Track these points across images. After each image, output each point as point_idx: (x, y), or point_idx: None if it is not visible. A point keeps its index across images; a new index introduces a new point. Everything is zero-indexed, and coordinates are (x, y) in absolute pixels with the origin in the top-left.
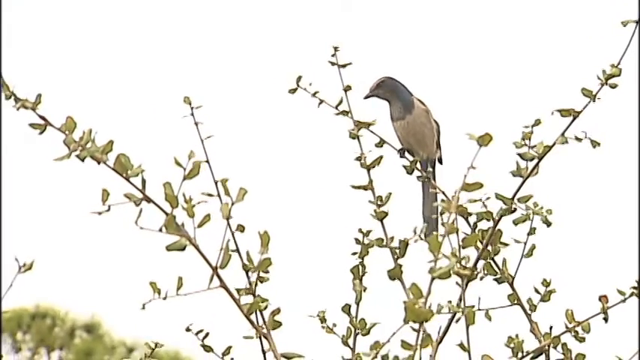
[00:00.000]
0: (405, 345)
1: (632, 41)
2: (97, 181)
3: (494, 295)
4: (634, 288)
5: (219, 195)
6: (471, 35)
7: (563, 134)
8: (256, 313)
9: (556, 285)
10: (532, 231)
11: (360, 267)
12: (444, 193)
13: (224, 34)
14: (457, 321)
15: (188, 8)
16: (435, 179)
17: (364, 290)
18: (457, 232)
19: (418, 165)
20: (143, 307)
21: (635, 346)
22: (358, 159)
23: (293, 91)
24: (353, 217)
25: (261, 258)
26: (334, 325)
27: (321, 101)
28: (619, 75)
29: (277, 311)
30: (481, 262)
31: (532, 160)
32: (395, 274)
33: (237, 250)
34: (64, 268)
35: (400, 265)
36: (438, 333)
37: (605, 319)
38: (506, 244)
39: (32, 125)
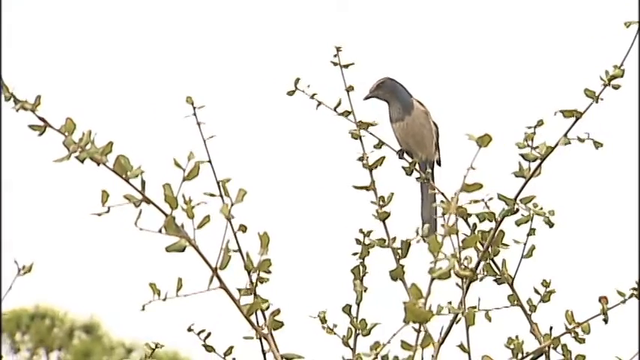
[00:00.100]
0: (404, 345)
1: (635, 42)
2: (96, 183)
3: (494, 295)
4: (634, 289)
5: (221, 195)
6: (473, 35)
7: (565, 135)
8: (256, 314)
9: (556, 286)
10: (532, 232)
11: (361, 267)
12: (443, 194)
13: (225, 34)
14: (457, 322)
15: (188, 9)
16: (433, 181)
17: (365, 291)
18: (457, 234)
19: (417, 166)
20: (143, 308)
21: (635, 347)
22: (360, 159)
23: (291, 93)
24: (354, 218)
25: (261, 259)
26: (335, 325)
27: (320, 103)
28: (622, 76)
29: (277, 312)
30: (481, 263)
31: (534, 160)
32: (397, 274)
33: (240, 251)
34: (64, 269)
35: (402, 265)
36: (440, 334)
37: (605, 320)
38: (507, 245)
39: (32, 126)
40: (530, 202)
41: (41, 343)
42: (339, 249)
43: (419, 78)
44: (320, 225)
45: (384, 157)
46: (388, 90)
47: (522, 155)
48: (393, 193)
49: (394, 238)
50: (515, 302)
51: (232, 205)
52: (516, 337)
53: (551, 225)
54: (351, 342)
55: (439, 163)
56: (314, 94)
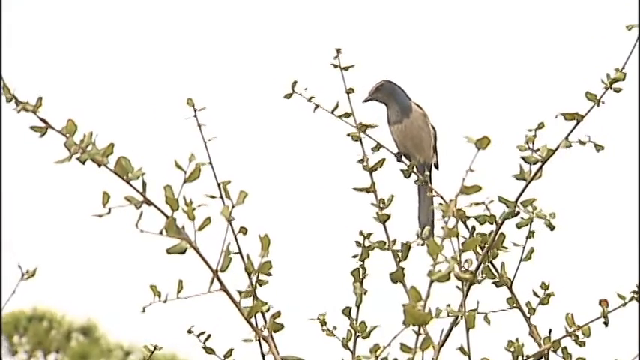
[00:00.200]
0: (404, 348)
1: (636, 45)
2: (97, 184)
3: (492, 298)
4: (634, 292)
5: (222, 197)
6: (474, 38)
7: (566, 138)
8: (256, 316)
9: (555, 288)
10: (531, 234)
11: (361, 270)
12: (441, 197)
13: (226, 37)
14: (457, 324)
15: (190, 10)
16: (431, 184)
17: (365, 293)
18: (457, 236)
19: (415, 169)
20: (143, 310)
21: (635, 350)
22: (361, 161)
23: (288, 95)
24: (354, 220)
25: (262, 261)
26: (334, 327)
27: (317, 106)
28: (623, 79)
29: (278, 314)
30: (480, 266)
31: (535, 163)
32: (397, 276)
33: (240, 253)
34: (62, 271)
35: (402, 268)
36: (440, 336)
37: (606, 324)
38: (506, 248)
39: (33, 128)
40: (530, 205)
41: (39, 345)
42: (339, 251)
43: (419, 80)
44: (320, 227)
45: (384, 160)
46: (387, 93)
47: (523, 158)
48: (393, 196)
49: (394, 241)
50: (514, 305)
51: (233, 207)
52: (516, 339)
53: (552, 228)
54: (350, 344)
55: (437, 167)
56: (311, 97)
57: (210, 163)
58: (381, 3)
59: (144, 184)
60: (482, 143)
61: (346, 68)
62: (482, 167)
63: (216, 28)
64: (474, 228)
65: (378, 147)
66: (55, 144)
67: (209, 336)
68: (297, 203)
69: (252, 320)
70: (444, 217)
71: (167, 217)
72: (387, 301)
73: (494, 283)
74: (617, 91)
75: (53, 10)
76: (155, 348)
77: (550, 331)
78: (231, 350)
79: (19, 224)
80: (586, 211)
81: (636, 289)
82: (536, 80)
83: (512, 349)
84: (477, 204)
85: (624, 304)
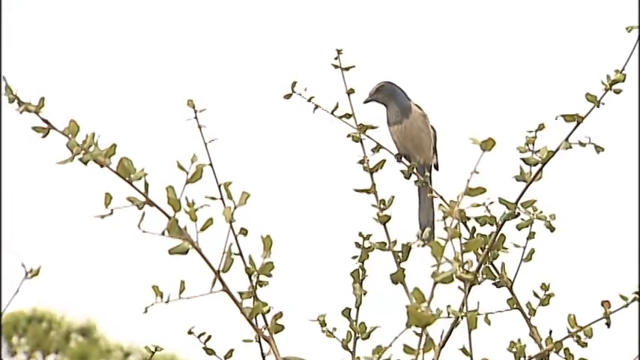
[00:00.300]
0: (407, 349)
1: (636, 47)
2: (99, 185)
3: (493, 299)
4: (636, 293)
5: (222, 198)
6: (474, 39)
7: (567, 139)
8: (256, 317)
9: (555, 289)
10: (531, 235)
11: (361, 271)
12: (441, 197)
13: (227, 38)
14: (457, 325)
15: (190, 11)
16: (431, 184)
17: (364, 294)
18: (460, 237)
19: (415, 170)
20: (146, 311)
21: (636, 350)
22: (361, 162)
23: (288, 96)
24: (354, 221)
25: (264, 262)
26: (334, 329)
27: (317, 106)
28: (623, 80)
29: (280, 315)
30: (481, 267)
31: (536, 165)
32: (397, 278)
33: (240, 254)
34: (64, 272)
35: (403, 269)
36: (441, 337)
37: (608, 324)
38: (506, 249)
39: (35, 128)
40: (531, 206)
41: (38, 347)
42: (338, 252)
43: (419, 81)
44: (320, 228)
45: (384, 160)
46: (387, 94)
47: (523, 159)
48: (393, 197)
49: (395, 242)
50: (515, 306)
51: (235, 208)
52: (518, 340)
53: (552, 229)
54: (350, 345)
55: (437, 167)
56: (311, 98)
57: (211, 165)
58: (381, 3)
59: (146, 185)
60: (488, 145)
61: (347, 69)
62: (482, 168)
63: (216, 28)
64: (474, 229)
65: (378, 148)
66: (58, 144)
67: (209, 337)
68: (297, 204)
69: (253, 321)
70: (444, 218)
71: (169, 217)
72: (386, 302)
73: (494, 283)
74: (618, 92)
75: (53, 10)
76: (156, 349)
77: (551, 332)
78: (231, 351)
79: (21, 225)
80: (586, 212)
81: (638, 289)
82: (536, 81)
83: (514, 349)
84: (477, 205)
85: (626, 305)
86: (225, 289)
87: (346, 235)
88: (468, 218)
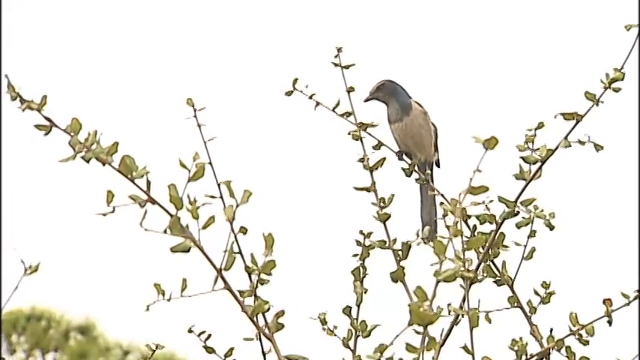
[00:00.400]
0: (409, 348)
1: (635, 45)
2: (101, 183)
3: (494, 297)
4: (638, 291)
5: (221, 197)
6: (474, 37)
7: (566, 138)
8: (257, 315)
9: (556, 288)
10: (532, 234)
11: (361, 269)
12: (443, 195)
13: (227, 36)
14: (458, 323)
15: (191, 10)
16: (433, 182)
17: (365, 292)
18: (462, 235)
19: (416, 167)
20: (147, 309)
21: (636, 348)
22: (361, 160)
23: (289, 93)
24: (355, 219)
25: (266, 260)
26: (335, 327)
27: (318, 103)
28: (622, 79)
29: (282, 313)
30: (481, 265)
31: (535, 163)
32: (397, 276)
33: (240, 252)
34: (64, 270)
35: (403, 267)
36: (441, 336)
37: (610, 322)
38: (507, 247)
39: (37, 126)
40: (530, 205)
41: (37, 345)
42: (339, 250)
43: (419, 79)
44: (320, 226)
45: (384, 159)
46: (388, 92)
47: (523, 158)
48: (393, 195)
49: (395, 240)
50: (516, 304)
51: (238, 206)
52: (520, 338)
53: (551, 228)
54: (351, 343)
55: (438, 164)
56: (312, 95)
57: (210, 163)
58: (381, 2)
59: (148, 183)
60: (490, 143)
61: (347, 67)
62: (482, 166)
63: (217, 27)
64: (475, 227)
65: (379, 145)
66: (60, 142)
67: (209, 335)
68: (298, 202)
69: (254, 319)
70: (444, 216)
71: (171, 215)
72: (387, 300)
73: (495, 282)
74: (617, 90)
75: (53, 10)
76: (157, 347)
77: (552, 330)
78: (232, 349)
79: (21, 222)
80: (586, 210)
81: (639, 287)
82: (535, 80)
83: (515, 348)
84: (477, 203)
85: (628, 304)
86: (227, 287)
87: (347, 233)
88: (469, 216)
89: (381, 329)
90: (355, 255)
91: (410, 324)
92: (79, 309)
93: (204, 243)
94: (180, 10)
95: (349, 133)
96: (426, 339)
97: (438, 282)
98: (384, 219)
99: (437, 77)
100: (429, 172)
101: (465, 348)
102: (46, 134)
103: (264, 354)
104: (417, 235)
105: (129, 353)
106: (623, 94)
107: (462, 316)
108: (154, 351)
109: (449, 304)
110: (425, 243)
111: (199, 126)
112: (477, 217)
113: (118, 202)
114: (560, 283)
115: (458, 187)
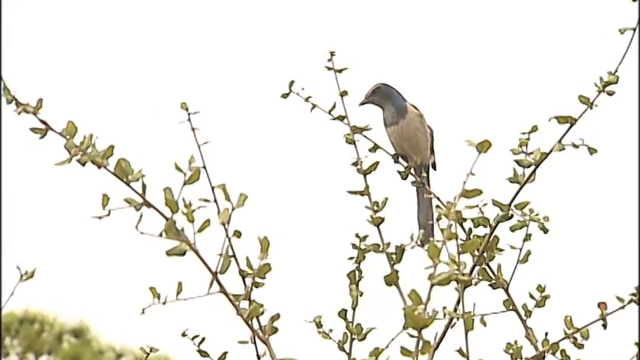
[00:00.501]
0: (404, 351)
1: (630, 48)
2: (97, 186)
3: (489, 301)
4: (633, 295)
5: (215, 201)
6: (468, 41)
7: (560, 141)
8: (252, 319)
9: (551, 291)
10: (528, 237)
11: (357, 272)
12: (439, 198)
13: (221, 40)
14: (452, 327)
15: (187, 12)
16: (429, 185)
17: (360, 295)
18: (457, 239)
19: (412, 170)
20: (143, 312)
21: (631, 352)
22: (355, 164)
23: (285, 95)
24: (349, 223)
25: (261, 263)
26: (330, 330)
27: (314, 106)
28: (616, 82)
29: (277, 317)
30: (476, 268)
31: (529, 166)
32: (391, 279)
33: (234, 256)
34: (59, 273)
35: (396, 270)
36: (435, 339)
37: (605, 326)
38: (502, 250)
39: (33, 130)
40: (524, 208)
41: (30, 348)
42: (334, 254)
43: (414, 83)
44: (315, 230)
45: (378, 162)
46: (383, 95)
47: (517, 161)
48: (387, 198)
49: (388, 244)
50: (511, 307)
51: (233, 209)
52: (515, 342)
53: (545, 231)
54: (346, 347)
55: (434, 167)
56: (308, 97)
57: (204, 167)
58: (377, 4)
59: (144, 186)
60: (484, 147)
61: (340, 71)
62: (476, 170)
63: (212, 30)
64: (470, 230)
65: (375, 148)
66: (55, 146)
67: (203, 339)
68: (293, 205)
69: (249, 323)
70: (438, 219)
71: (167, 219)
72: (382, 303)
73: (490, 285)
74: (610, 94)
75: (53, 10)
76: (151, 350)
77: (547, 333)
78: (225, 353)
79: (19, 226)
80: (581, 213)
81: (635, 291)
82: (529, 83)
83: (510, 351)
84: (471, 207)
85: (623, 307)
86: (223, 291)
87: (342, 236)
88: (465, 219)
89: (377, 332)
90: (351, 258)
91: (405, 327)
92: (73, 312)
93: (199, 246)
94: (175, 14)
95: (344, 137)
96: (421, 342)
97: (432, 285)
98: (377, 222)
99: (432, 80)
100: (425, 174)
101: (459, 351)
102: (42, 137)
103: (259, 357)
104: (412, 239)
105: (122, 356)
106: (618, 98)
107: (457, 319)
108: (148, 354)
109: (444, 308)
110: (421, 246)
111: (193, 129)
112: (472, 220)
113: (113, 205)
114: (555, 287)
115: (453, 190)
